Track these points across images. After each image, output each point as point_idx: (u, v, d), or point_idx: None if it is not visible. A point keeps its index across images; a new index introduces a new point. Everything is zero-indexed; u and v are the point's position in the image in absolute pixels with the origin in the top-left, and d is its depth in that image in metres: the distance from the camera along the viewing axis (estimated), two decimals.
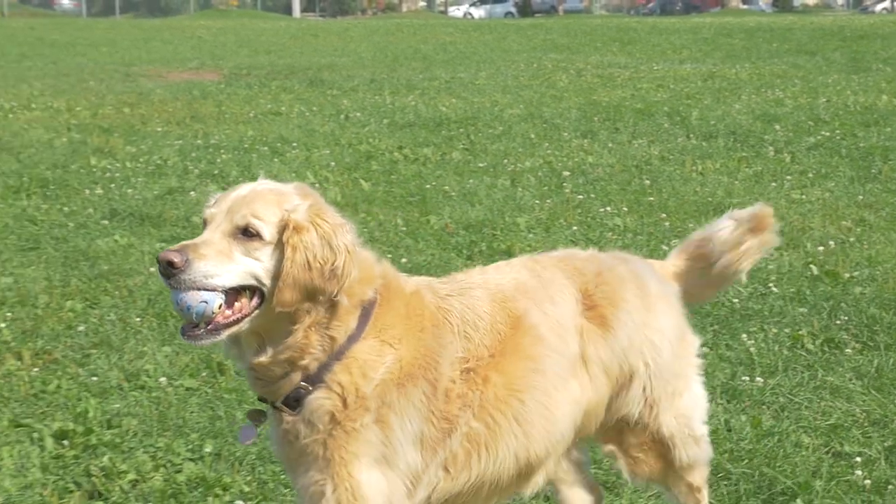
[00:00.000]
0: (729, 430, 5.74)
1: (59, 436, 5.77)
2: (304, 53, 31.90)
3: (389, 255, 9.10)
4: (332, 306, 3.48)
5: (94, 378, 6.57)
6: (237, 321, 3.41)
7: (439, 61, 28.44)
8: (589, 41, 35.20)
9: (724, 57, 28.50)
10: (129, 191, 11.54)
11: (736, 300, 7.77)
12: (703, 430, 4.35)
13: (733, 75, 23.29)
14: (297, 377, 3.51)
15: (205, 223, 3.50)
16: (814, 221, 10.15)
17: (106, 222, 10.24)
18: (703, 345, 6.87)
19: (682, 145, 14.42)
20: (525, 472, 3.92)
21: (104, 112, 17.88)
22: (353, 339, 3.53)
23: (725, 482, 5.23)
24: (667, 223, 10.15)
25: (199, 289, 3.32)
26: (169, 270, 3.31)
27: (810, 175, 12.31)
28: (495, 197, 11.34)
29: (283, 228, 3.43)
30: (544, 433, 3.86)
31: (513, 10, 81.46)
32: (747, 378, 6.39)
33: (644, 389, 4.14)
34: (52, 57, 29.94)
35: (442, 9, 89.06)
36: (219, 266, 3.36)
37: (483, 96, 20.10)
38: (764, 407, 6.08)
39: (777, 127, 15.49)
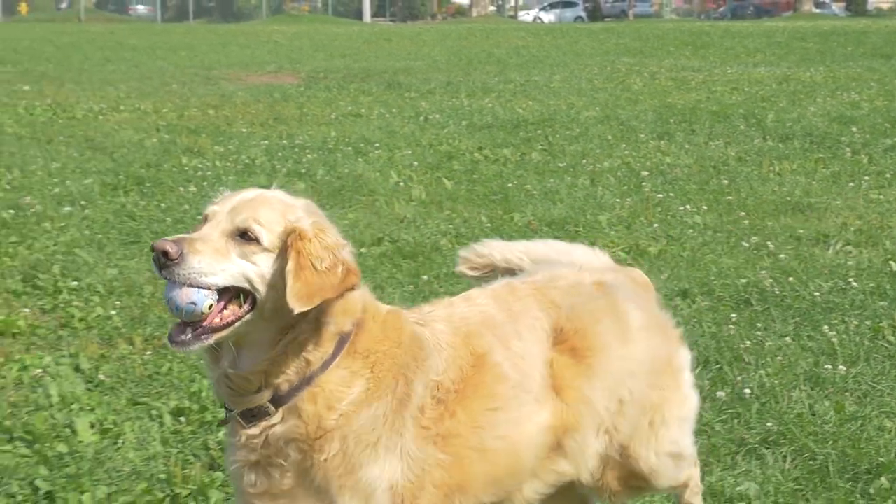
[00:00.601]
0: (813, 415, 5.96)
1: (176, 413, 6.13)
2: (379, 57, 32.32)
3: None
4: (317, 328, 3.45)
5: (203, 362, 6.92)
6: (226, 326, 3.37)
7: (513, 65, 28.72)
8: (661, 45, 35.29)
9: (799, 60, 28.50)
10: (222, 188, 11.90)
11: (817, 294, 7.97)
12: (689, 453, 4.37)
13: (808, 78, 23.33)
14: (267, 395, 3.47)
15: (205, 219, 3.46)
16: (892, 220, 10.31)
17: (198, 216, 10.63)
18: (784, 335, 7.15)
19: (759, 146, 14.58)
20: (498, 498, 3.91)
21: (189, 114, 18.37)
22: (326, 365, 3.49)
23: (811, 462, 5.46)
24: (746, 221, 10.36)
25: (191, 285, 3.28)
26: (163, 261, 3.27)
27: (888, 175, 12.45)
28: (576, 195, 11.60)
29: (284, 237, 3.40)
30: (510, 466, 3.84)
31: (583, 14, 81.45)
32: (830, 367, 6.60)
33: (627, 421, 4.10)
34: (133, 61, 30.62)
35: (512, 13, 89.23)
36: (213, 264, 3.31)
37: (558, 99, 20.35)
38: (847, 393, 6.29)
39: (854, 129, 15.59)
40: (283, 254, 3.39)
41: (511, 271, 4.48)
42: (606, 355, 4.02)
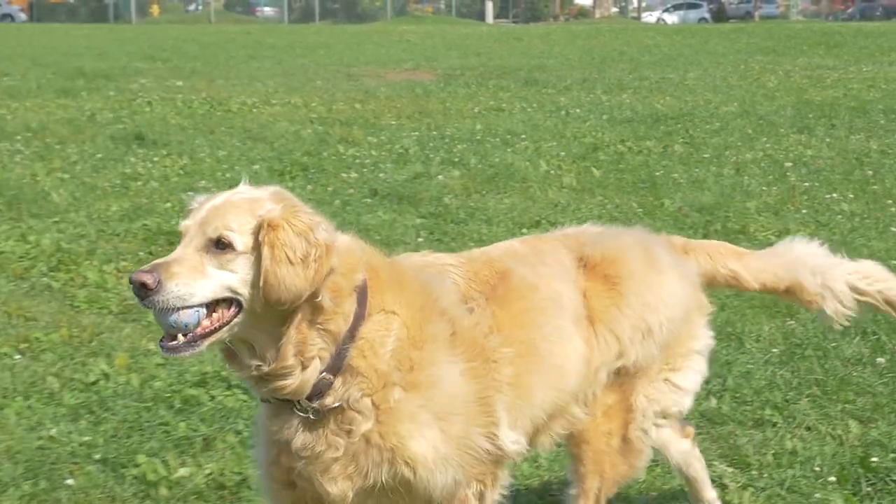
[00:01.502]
0: None
1: None
2: (512, 56, 32.84)
3: None
4: (316, 305, 3.45)
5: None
6: (215, 331, 3.39)
7: (646, 63, 29.01)
8: (793, 45, 35.21)
9: None
10: (381, 175, 12.57)
11: None
12: (650, 427, 4.30)
13: None
14: (314, 368, 3.49)
15: (181, 236, 3.48)
16: None
17: (368, 200, 11.27)
18: None
19: None
20: (558, 411, 4.01)
21: (338, 107, 19.07)
22: (359, 319, 3.52)
23: None
24: (893, 209, 10.66)
25: (171, 310, 3.32)
26: (142, 292, 3.29)
27: None
28: (723, 184, 11.98)
29: (257, 233, 3.39)
30: (559, 372, 3.91)
31: (706, 15, 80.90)
32: None
33: (646, 352, 4.13)
34: (274, 58, 31.57)
35: (634, 15, 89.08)
36: (191, 284, 3.32)
37: (695, 95, 20.65)
38: None
39: None
40: (258, 250, 3.39)
41: None
42: (637, 281, 4.07)
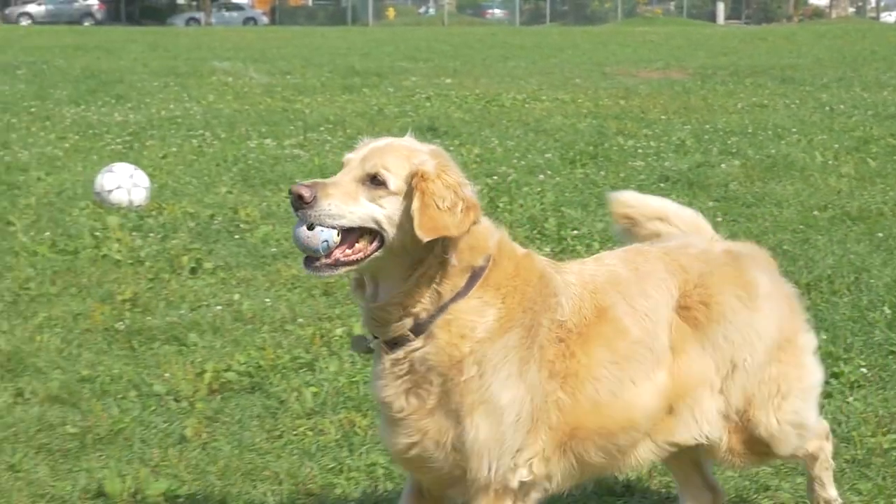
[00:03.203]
0: None
1: None
2: (760, 55, 33.13)
3: None
4: (443, 263, 3.72)
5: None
6: (356, 261, 3.67)
7: None
8: None
9: None
10: (666, 164, 13.43)
11: None
12: (812, 423, 4.44)
13: None
14: (408, 323, 3.76)
15: (343, 166, 3.78)
16: None
17: (662, 185, 12.16)
18: None
19: None
20: (610, 454, 4.05)
21: (603, 104, 19.96)
22: (459, 295, 3.75)
23: None
24: None
25: (321, 226, 3.62)
26: (298, 203, 3.60)
27: None
28: None
29: (409, 179, 3.66)
30: (622, 423, 3.98)
31: None
32: None
33: (742, 388, 4.20)
34: (527, 58, 32.69)
35: (872, 14, 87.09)
36: (342, 207, 3.62)
37: None
38: None
39: None
40: (408, 196, 3.66)
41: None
42: (726, 324, 4.14)
